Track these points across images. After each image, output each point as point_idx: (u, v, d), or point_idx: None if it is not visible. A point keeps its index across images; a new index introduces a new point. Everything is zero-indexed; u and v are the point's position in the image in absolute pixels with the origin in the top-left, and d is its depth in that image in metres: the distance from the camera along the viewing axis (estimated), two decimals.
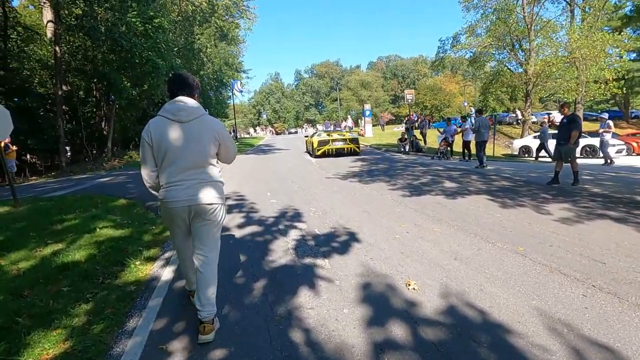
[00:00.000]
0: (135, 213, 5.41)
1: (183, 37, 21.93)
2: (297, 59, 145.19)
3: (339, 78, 77.33)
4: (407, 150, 13.86)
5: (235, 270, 3.14)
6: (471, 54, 28.43)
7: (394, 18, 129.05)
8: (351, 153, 13.34)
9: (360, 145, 14.36)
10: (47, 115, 18.38)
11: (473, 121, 11.69)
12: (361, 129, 27.42)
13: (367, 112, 24.08)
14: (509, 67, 26.93)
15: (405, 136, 14.23)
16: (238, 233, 4.28)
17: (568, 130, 6.15)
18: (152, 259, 3.54)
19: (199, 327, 2.08)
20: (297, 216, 4.91)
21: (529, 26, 22.64)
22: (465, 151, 11.64)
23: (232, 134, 41.87)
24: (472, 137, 11.91)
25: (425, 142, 15.19)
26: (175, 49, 20.55)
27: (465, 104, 48.97)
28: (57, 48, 16.04)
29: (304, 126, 54.67)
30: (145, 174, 2.13)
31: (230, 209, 5.52)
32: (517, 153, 17.62)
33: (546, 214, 4.53)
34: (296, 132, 49.48)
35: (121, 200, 6.27)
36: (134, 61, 16.22)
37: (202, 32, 22.77)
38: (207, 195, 2.07)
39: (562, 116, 6.64)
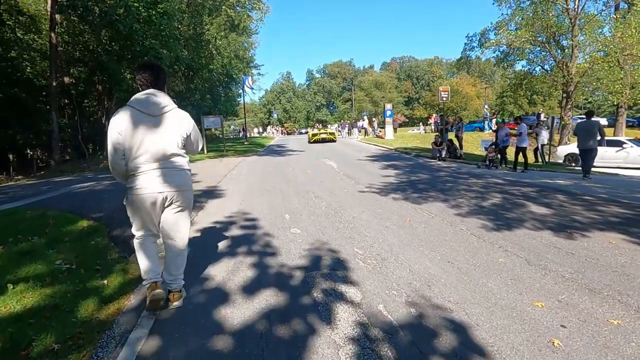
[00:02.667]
0: (91, 247, 3.61)
1: (191, 28, 20.30)
2: (309, 59, 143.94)
3: (352, 78, 75.26)
4: (443, 156, 11.86)
5: None
6: (500, 53, 26.20)
7: (409, 18, 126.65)
8: (331, 141, 21.54)
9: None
10: (45, 108, 16.93)
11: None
12: (379, 131, 25.41)
13: (388, 112, 22.03)
14: (542, 66, 24.65)
15: (440, 139, 12.24)
16: (242, 308, 2.40)
17: None
18: None
19: (168, 296, 2.26)
20: (338, 268, 3.03)
21: (572, 21, 20.34)
22: (520, 159, 9.69)
23: (242, 132, 40.10)
24: (526, 144, 10.12)
25: (461, 146, 13.15)
26: (182, 40, 18.92)
27: (486, 106, 46.48)
28: (52, 34, 14.53)
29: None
30: (113, 162, 2.14)
31: (233, 246, 3.68)
32: (562, 161, 15.67)
33: None
34: (307, 133, 47.74)
35: (82, 223, 4.48)
36: (135, 50, 14.62)
37: (211, 22, 21.09)
38: (175, 183, 2.17)
39: None
